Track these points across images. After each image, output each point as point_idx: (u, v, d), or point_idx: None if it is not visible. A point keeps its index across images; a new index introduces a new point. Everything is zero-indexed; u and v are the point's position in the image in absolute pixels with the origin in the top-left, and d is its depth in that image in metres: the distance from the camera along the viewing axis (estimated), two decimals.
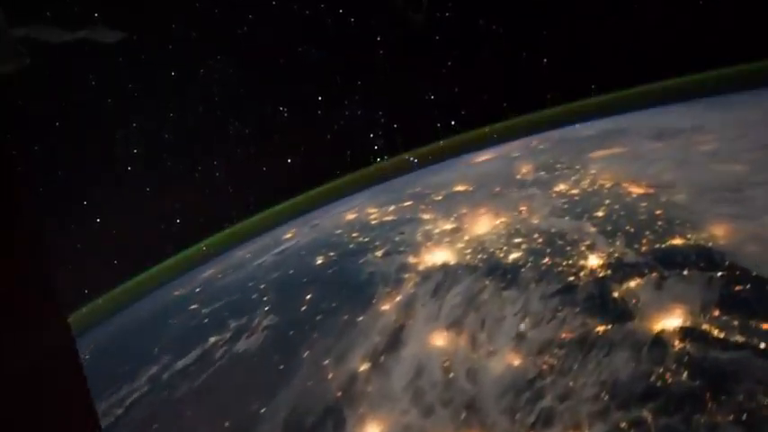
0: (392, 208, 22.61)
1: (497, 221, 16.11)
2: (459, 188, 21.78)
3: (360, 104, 27.22)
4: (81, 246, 21.80)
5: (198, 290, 21.29)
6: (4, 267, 1.61)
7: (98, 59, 20.01)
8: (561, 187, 17.18)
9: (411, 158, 29.54)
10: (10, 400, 1.60)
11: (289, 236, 26.12)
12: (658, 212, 13.11)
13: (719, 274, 9.91)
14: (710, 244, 10.98)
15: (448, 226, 17.31)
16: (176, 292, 23.16)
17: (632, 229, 12.70)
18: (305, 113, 26.45)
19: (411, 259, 15.63)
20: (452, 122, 27.57)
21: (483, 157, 27.93)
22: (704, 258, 10.51)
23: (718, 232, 11.31)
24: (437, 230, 17.24)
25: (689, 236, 11.52)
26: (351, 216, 24.13)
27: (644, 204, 13.81)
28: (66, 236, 21.44)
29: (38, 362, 1.66)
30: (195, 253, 28.08)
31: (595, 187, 16.21)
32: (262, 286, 18.73)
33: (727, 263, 10.15)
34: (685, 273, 10.28)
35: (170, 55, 22.52)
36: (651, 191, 14.57)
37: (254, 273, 20.96)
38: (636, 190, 14.93)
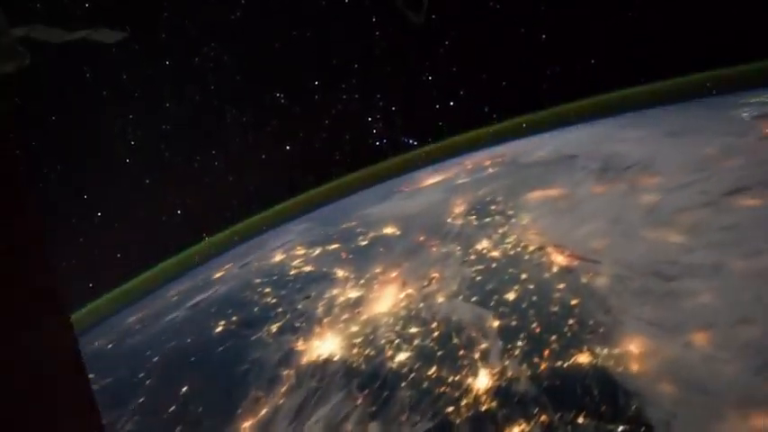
0: (317, 252, 20.27)
1: (403, 294, 13.72)
2: (388, 230, 19.37)
3: (357, 88, 26.67)
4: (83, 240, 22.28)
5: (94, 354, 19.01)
6: (7, 267, 1.59)
7: (90, 52, 19.28)
8: (484, 245, 14.74)
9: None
10: (11, 400, 1.58)
11: (219, 274, 23.89)
12: (574, 303, 10.70)
13: (620, 430, 7.54)
14: (620, 369, 8.59)
15: (354, 293, 14.93)
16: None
17: (538, 329, 10.30)
18: (303, 99, 26.04)
19: (299, 345, 13.30)
20: (451, 103, 26.87)
21: (432, 179, 25.56)
22: (607, 398, 8.13)
23: (634, 349, 8.93)
24: (342, 299, 14.87)
25: (597, 351, 9.13)
26: (279, 257, 21.82)
27: (561, 287, 11.38)
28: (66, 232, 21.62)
29: (39, 361, 1.64)
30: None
31: (518, 249, 13.76)
32: (153, 360, 16.46)
33: (632, 409, 7.78)
34: (579, 420, 7.90)
35: (163, 44, 22.19)
36: (575, 263, 12.13)
37: (158, 335, 18.69)
38: (559, 260, 12.49)
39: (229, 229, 30.81)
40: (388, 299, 13.73)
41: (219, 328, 16.60)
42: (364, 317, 13.33)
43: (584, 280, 11.31)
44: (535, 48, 25.82)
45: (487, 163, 24.90)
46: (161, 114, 23.91)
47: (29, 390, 1.63)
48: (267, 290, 18.16)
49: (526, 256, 13.20)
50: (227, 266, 24.77)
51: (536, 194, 17.03)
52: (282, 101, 26.16)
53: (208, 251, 29.36)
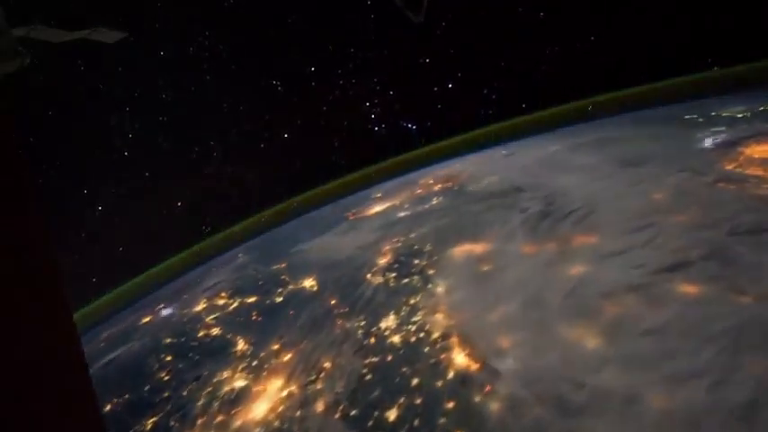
0: (234, 305, 18.21)
1: (286, 392, 11.62)
2: (308, 283, 17.27)
3: (354, 73, 26.30)
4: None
5: None
6: (8, 266, 1.59)
7: (90, 51, 19.05)
8: (389, 323, 12.57)
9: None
10: (12, 400, 1.58)
11: (146, 319, 21.94)
12: None
13: None
14: None
15: (240, 382, 12.85)
16: None
17: None
18: (299, 85, 25.68)
19: None
20: (450, 85, 26.22)
21: (379, 205, 23.45)
22: None
23: None
24: (226, 389, 12.79)
25: None
26: (201, 305, 19.79)
27: (450, 407, 9.22)
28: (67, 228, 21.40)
29: (41, 361, 1.64)
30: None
31: (421, 335, 11.58)
32: None
33: None
34: None
35: (157, 35, 21.87)
36: (475, 368, 9.96)
37: None
38: (458, 361, 10.31)
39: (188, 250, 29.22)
40: (268, 398, 11.62)
41: (108, 407, 14.60)
42: (237, 423, 11.23)
43: (477, 398, 9.13)
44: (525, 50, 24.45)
45: (437, 188, 22.73)
46: (157, 106, 23.69)
47: (30, 390, 1.59)
48: (168, 358, 16.13)
49: (426, 348, 11.02)
50: (159, 306, 22.83)
51: (463, 248, 14.79)
52: (279, 88, 26.07)
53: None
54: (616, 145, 19.38)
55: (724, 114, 20.05)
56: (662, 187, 14.14)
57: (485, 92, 26.65)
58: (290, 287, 17.47)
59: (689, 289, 9.68)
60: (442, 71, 26.08)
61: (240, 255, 25.39)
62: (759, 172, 13.53)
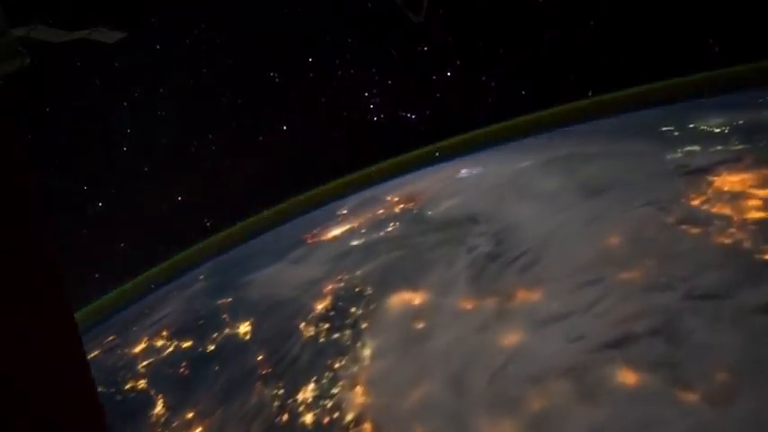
0: (168, 351, 16.92)
1: None
2: (243, 328, 15.91)
3: (352, 63, 25.72)
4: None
5: None
6: (9, 266, 1.58)
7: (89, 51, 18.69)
8: (307, 393, 11.19)
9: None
10: (14, 400, 1.56)
11: (91, 355, 20.66)
12: None
13: None
14: None
15: None
16: None
17: None
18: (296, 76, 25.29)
19: None
20: (448, 74, 25.69)
21: (338, 228, 22.22)
22: None
23: None
24: None
25: None
26: (140, 347, 18.53)
27: None
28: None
29: (43, 362, 1.63)
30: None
31: (335, 416, 10.19)
32: None
33: None
34: None
35: (152, 28, 21.45)
36: None
37: None
38: None
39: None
40: None
41: None
42: None
43: None
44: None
45: (398, 208, 21.30)
46: (155, 100, 23.44)
47: (32, 391, 1.58)
48: None
49: None
50: (108, 339, 21.55)
51: (402, 297, 13.37)
52: (277, 80, 25.63)
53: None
54: (586, 164, 17.84)
55: (702, 127, 18.47)
56: (620, 227, 12.64)
57: (483, 79, 25.67)
58: (226, 331, 16.12)
59: (629, 378, 8.23)
60: (440, 59, 25.34)
61: (201, 276, 24.14)
62: (726, 210, 12.00)
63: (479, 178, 20.88)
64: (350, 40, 25.24)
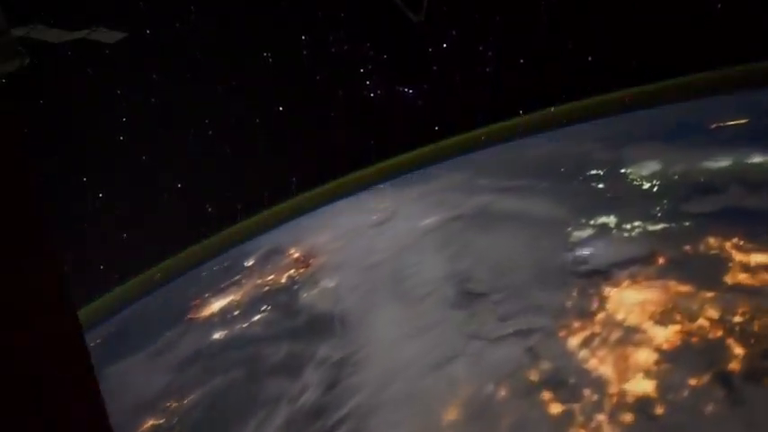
0: None
1: None
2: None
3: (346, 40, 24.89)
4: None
5: None
6: (10, 266, 1.59)
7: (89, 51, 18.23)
8: None
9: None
10: (15, 401, 1.56)
11: None
12: None
13: None
14: None
15: None
16: None
17: None
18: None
19: None
20: (444, 45, 24.71)
21: (223, 299, 19.41)
22: None
23: None
24: None
25: None
26: None
27: None
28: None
29: (44, 363, 1.62)
30: None
31: None
32: None
33: None
34: None
35: (141, 13, 20.96)
36: None
37: None
38: None
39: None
40: None
41: None
42: None
43: None
44: None
45: (284, 278, 18.24)
46: (148, 87, 23.05)
47: (33, 391, 1.56)
48: None
49: None
50: None
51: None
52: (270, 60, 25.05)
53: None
54: (480, 236, 14.36)
55: (631, 177, 14.77)
56: (470, 383, 9.18)
57: (480, 48, 24.24)
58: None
59: None
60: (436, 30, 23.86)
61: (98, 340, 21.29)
62: (607, 368, 8.44)
63: (373, 241, 17.48)
64: (342, 14, 24.19)
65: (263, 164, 24.52)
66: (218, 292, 19.74)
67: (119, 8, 19.07)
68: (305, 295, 16.02)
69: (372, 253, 16.31)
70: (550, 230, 13.08)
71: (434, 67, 25.06)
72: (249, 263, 21.59)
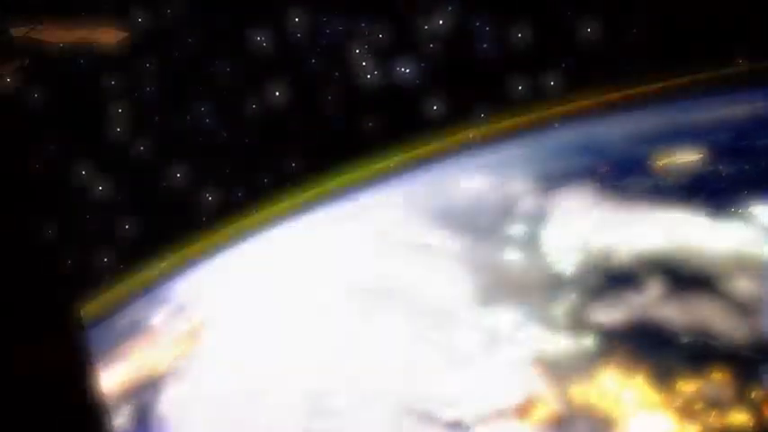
0: None
1: None
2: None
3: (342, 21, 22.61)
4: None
5: None
6: (11, 265, 1.57)
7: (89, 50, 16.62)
8: None
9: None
10: (15, 403, 1.56)
11: None
12: None
13: None
14: None
15: None
16: None
17: None
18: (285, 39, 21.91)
19: None
20: (440, 22, 22.08)
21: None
22: None
23: None
24: None
25: None
26: None
27: None
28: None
29: (46, 365, 1.60)
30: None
31: None
32: None
33: None
34: None
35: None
36: None
37: None
38: None
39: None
40: None
41: None
42: None
43: None
44: None
45: (160, 370, 15.90)
46: (143, 74, 21.09)
47: (34, 393, 1.55)
48: None
49: None
50: None
51: None
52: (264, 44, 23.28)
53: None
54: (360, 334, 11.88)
55: (546, 251, 12.03)
56: None
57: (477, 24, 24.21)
58: None
59: None
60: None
61: None
62: None
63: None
64: None
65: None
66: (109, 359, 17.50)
67: (118, 8, 19.08)
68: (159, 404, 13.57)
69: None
70: (434, 328, 10.48)
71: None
72: (156, 318, 19.29)
